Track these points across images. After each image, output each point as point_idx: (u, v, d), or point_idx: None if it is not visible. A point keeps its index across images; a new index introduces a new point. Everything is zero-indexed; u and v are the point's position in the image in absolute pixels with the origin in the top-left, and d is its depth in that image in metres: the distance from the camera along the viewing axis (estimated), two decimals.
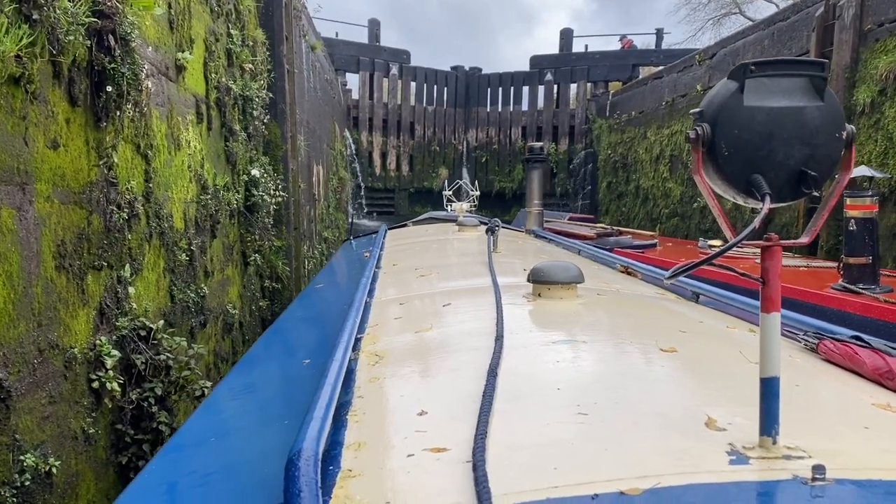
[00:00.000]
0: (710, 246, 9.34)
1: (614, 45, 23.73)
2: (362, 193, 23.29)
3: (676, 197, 16.44)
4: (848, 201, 5.84)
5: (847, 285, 5.62)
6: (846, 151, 1.42)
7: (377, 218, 21.79)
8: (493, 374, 1.81)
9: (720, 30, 28.78)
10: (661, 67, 19.62)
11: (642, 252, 9.74)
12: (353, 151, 22.68)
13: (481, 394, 1.66)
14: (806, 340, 2.28)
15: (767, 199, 1.35)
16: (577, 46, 24.00)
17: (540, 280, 2.79)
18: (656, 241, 11.68)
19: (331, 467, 1.43)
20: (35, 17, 3.06)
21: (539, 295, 2.81)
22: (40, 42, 3.16)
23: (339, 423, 1.68)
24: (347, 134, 22.17)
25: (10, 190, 3.08)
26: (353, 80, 23.26)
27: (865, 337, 2.08)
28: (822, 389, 1.93)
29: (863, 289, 5.50)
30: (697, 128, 1.40)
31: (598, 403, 1.66)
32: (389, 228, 8.00)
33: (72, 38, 3.43)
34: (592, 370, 2.04)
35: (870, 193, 5.76)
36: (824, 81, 1.41)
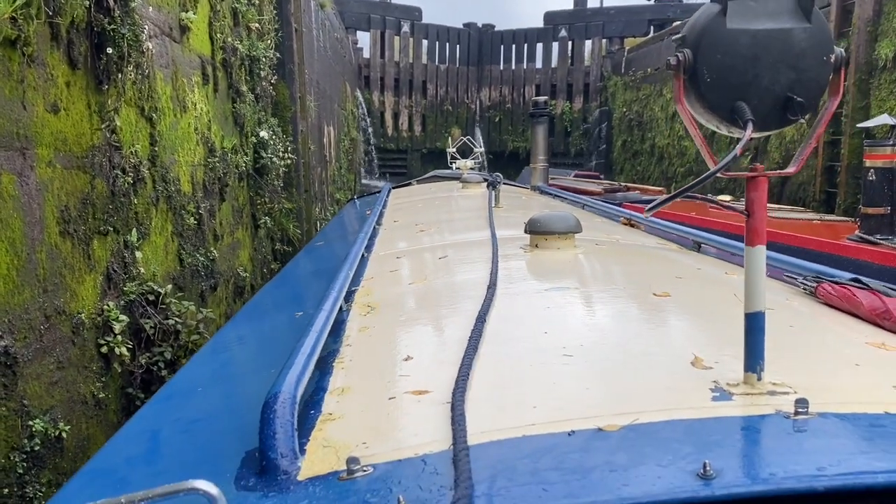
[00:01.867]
0: (717, 202, 9.21)
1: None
2: (373, 154, 23.15)
3: (692, 156, 16.21)
4: (867, 150, 5.71)
5: (864, 236, 5.53)
6: (835, 76, 1.36)
7: (390, 179, 21.70)
8: (481, 319, 1.80)
9: None
10: (678, 22, 19.20)
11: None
12: (365, 111, 22.49)
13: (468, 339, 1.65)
14: (805, 284, 2.25)
15: (750, 125, 1.29)
16: (593, 2, 23.52)
17: (537, 231, 2.76)
18: (662, 195, 11.54)
19: (312, 412, 1.42)
20: None
21: (536, 246, 2.78)
22: (36, 3, 3.09)
23: (324, 370, 1.68)
24: (359, 94, 21.97)
25: (10, 155, 3.05)
26: (363, 39, 22.97)
27: (864, 279, 2.06)
28: (816, 330, 1.92)
29: (881, 239, 5.40)
30: (679, 53, 1.33)
31: (584, 346, 1.65)
32: (394, 187, 7.97)
33: None
34: (581, 315, 2.04)
35: (890, 143, 5.62)
36: (811, 2, 1.34)
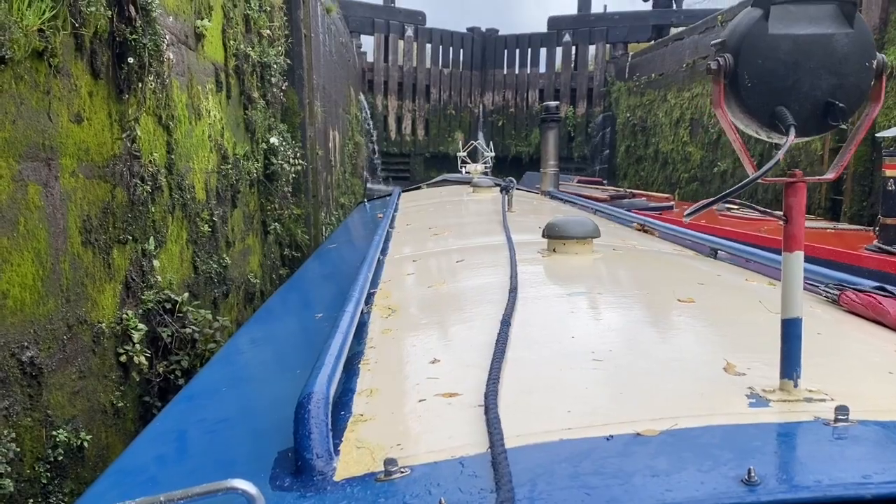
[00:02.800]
0: (728, 208, 9.23)
1: (637, 4, 23.01)
2: (377, 158, 23.15)
3: (696, 161, 16.22)
4: (886, 160, 5.71)
5: (883, 246, 5.51)
6: (876, 82, 1.36)
7: (393, 183, 21.70)
8: (506, 323, 1.80)
9: None
10: (681, 28, 19.23)
11: (660, 213, 9.64)
12: (369, 115, 22.50)
13: (494, 342, 1.65)
14: (827, 292, 2.25)
15: (792, 131, 1.29)
16: (597, 7, 23.52)
17: (555, 235, 2.76)
18: (672, 203, 11.55)
19: (342, 412, 1.43)
20: None
21: (554, 250, 2.78)
22: (62, 14, 3.10)
23: (351, 371, 1.68)
24: (362, 98, 21.98)
25: (36, 166, 3.06)
26: (367, 43, 22.98)
27: (889, 287, 2.05)
28: (844, 337, 1.92)
29: None
30: (719, 58, 1.33)
31: (613, 351, 1.65)
32: (404, 191, 7.97)
33: (93, 8, 3.37)
34: (608, 320, 2.04)
35: None
36: (854, 6, 1.34)
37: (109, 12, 3.61)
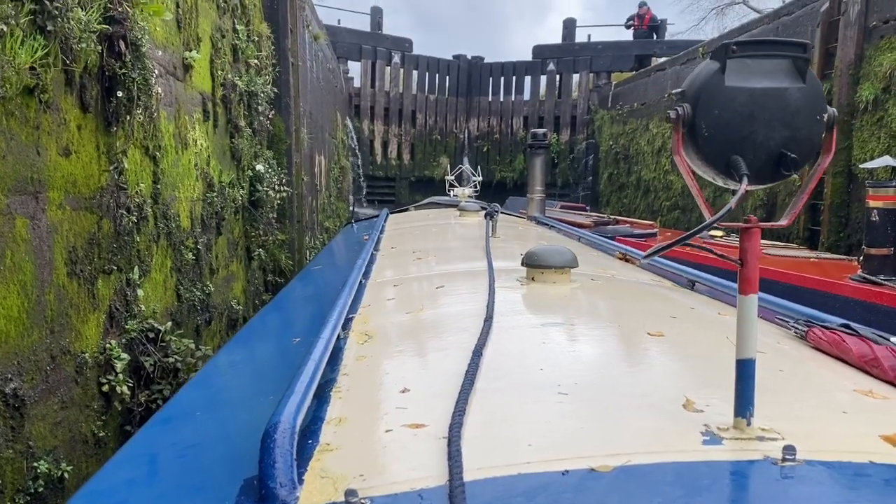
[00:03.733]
0: (711, 237, 9.37)
1: (622, 34, 23.38)
2: (363, 182, 23.25)
3: (678, 190, 16.44)
4: (870, 192, 5.82)
5: (867, 276, 5.58)
6: (827, 134, 1.42)
7: (378, 206, 21.78)
8: (477, 353, 1.83)
9: (724, 20, 28.65)
10: (663, 59, 19.57)
11: (643, 241, 9.75)
12: (355, 140, 22.63)
13: (465, 372, 1.67)
14: (796, 328, 2.29)
15: (745, 179, 1.35)
16: (581, 37, 23.89)
17: (534, 264, 2.80)
18: (656, 230, 11.68)
19: (310, 441, 1.45)
20: (49, 28, 3.07)
21: (533, 279, 2.81)
22: (53, 52, 3.17)
23: (322, 398, 1.70)
24: (349, 122, 22.12)
25: (24, 199, 3.11)
26: (354, 69, 23.17)
27: (854, 325, 2.09)
28: (805, 375, 1.94)
29: (884, 280, 5.46)
30: (678, 108, 1.39)
31: (579, 384, 1.68)
32: (391, 213, 8.00)
33: (84, 45, 3.44)
34: (577, 352, 2.07)
35: (893, 184, 5.73)
36: (806, 63, 1.40)
37: (100, 47, 3.68)
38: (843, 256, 8.30)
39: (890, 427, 1.42)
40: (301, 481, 1.27)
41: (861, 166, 9.21)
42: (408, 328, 2.45)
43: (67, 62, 3.32)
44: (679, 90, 1.43)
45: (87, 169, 3.69)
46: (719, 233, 10.19)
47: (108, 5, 3.68)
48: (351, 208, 20.22)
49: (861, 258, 5.75)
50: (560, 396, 1.59)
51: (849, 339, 1.99)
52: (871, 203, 5.71)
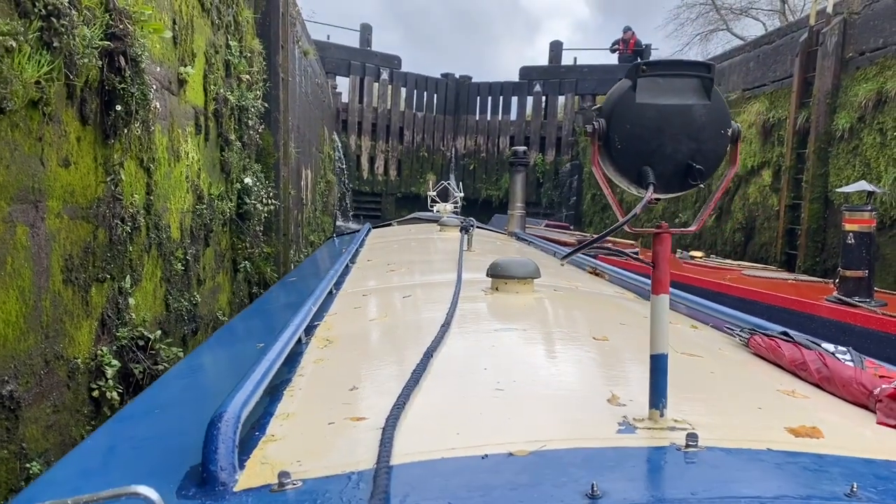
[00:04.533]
0: (692, 257, 9.58)
1: (608, 58, 23.74)
2: (349, 197, 23.36)
3: (658, 211, 16.70)
4: (846, 215, 6.00)
5: (842, 297, 5.74)
6: (732, 147, 1.53)
7: (363, 221, 21.88)
8: (428, 355, 1.91)
9: (707, 46, 29.17)
10: None
11: (625, 259, 9.91)
12: (342, 155, 22.76)
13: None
14: (740, 336, 2.40)
15: (651, 188, 1.44)
16: (567, 59, 24.25)
17: (497, 275, 2.88)
18: (637, 250, 11.87)
19: (257, 433, 1.53)
20: (55, 44, 3.19)
21: (497, 289, 2.89)
22: (58, 66, 3.29)
23: (275, 396, 1.78)
24: (336, 137, 22.26)
25: (25, 208, 3.21)
26: (343, 84, 23.35)
27: (792, 332, 2.20)
28: (736, 377, 2.04)
29: (859, 302, 5.62)
30: (595, 122, 1.49)
31: (517, 381, 1.78)
32: (374, 227, 8.10)
33: (86, 60, 3.56)
34: (522, 354, 2.16)
35: (868, 208, 5.92)
36: (711, 82, 1.50)
37: (100, 62, 3.80)
38: (820, 279, 8.51)
39: (798, 422, 1.52)
40: (242, 467, 1.36)
41: (837, 190, 9.45)
42: (370, 334, 2.54)
43: (70, 77, 3.44)
44: (596, 106, 1.54)
45: (84, 179, 3.80)
46: (699, 253, 10.42)
47: (110, 22, 3.81)
48: (335, 222, 20.31)
49: (837, 280, 5.93)
50: (496, 392, 1.68)
51: (783, 345, 2.12)
52: (847, 227, 5.88)
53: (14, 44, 2.89)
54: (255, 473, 1.34)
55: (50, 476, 1.70)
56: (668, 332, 1.54)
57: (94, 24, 3.65)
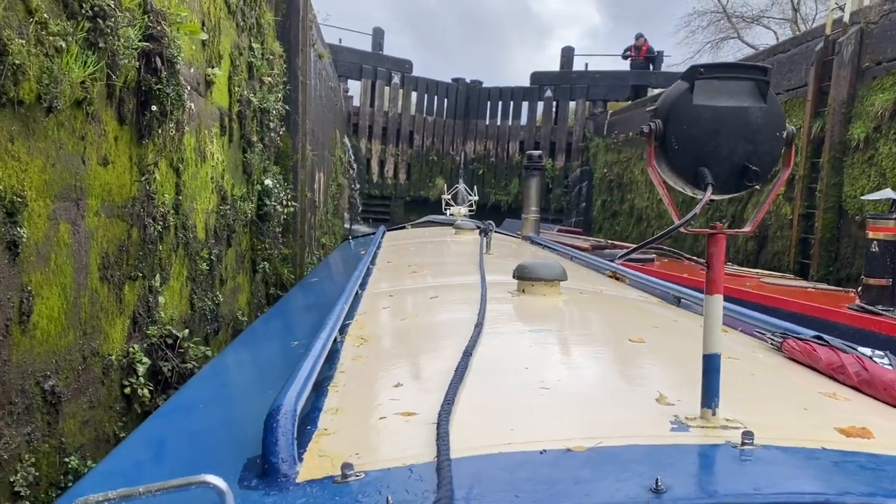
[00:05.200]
0: (685, 256, 9.55)
1: (619, 64, 23.76)
2: (358, 199, 23.42)
3: (670, 219, 16.64)
4: (870, 223, 5.99)
5: (865, 306, 5.74)
6: (786, 149, 1.56)
7: (372, 224, 21.92)
8: (467, 354, 1.94)
9: (718, 53, 29.20)
10: (657, 90, 19.96)
11: (642, 265, 9.93)
12: (352, 158, 22.83)
13: (454, 370, 1.79)
14: (772, 339, 2.43)
15: (709, 188, 1.47)
16: (578, 65, 24.28)
17: (524, 277, 2.91)
18: (653, 255, 11.87)
19: (308, 427, 1.56)
20: (101, 44, 3.24)
21: (523, 291, 2.92)
22: (101, 67, 3.34)
23: (320, 392, 1.82)
24: (347, 140, 22.33)
25: (68, 206, 3.26)
26: (354, 87, 23.44)
27: (827, 337, 2.23)
28: (775, 379, 2.07)
29: (882, 310, 5.60)
30: (651, 123, 1.51)
31: (561, 381, 1.82)
32: (388, 230, 8.13)
33: (125, 61, 3.61)
34: (560, 354, 2.20)
35: (893, 216, 5.89)
36: (767, 85, 1.54)
37: (138, 63, 3.85)
38: (838, 287, 8.51)
39: (846, 423, 1.55)
40: (301, 459, 1.39)
41: (862, 198, 9.46)
42: (402, 333, 2.58)
43: (112, 77, 3.49)
44: (652, 107, 1.56)
45: (121, 178, 3.84)
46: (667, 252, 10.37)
47: (148, 24, 3.86)
48: (347, 225, 20.38)
49: (860, 288, 5.92)
50: (542, 391, 1.71)
51: (819, 349, 2.14)
52: (871, 234, 5.86)
53: (63, 44, 2.94)
54: (314, 465, 1.37)
55: (104, 467, 1.73)
56: (719, 332, 1.56)
57: (134, 25, 3.70)
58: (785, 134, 1.55)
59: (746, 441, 1.38)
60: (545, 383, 1.76)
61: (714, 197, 1.50)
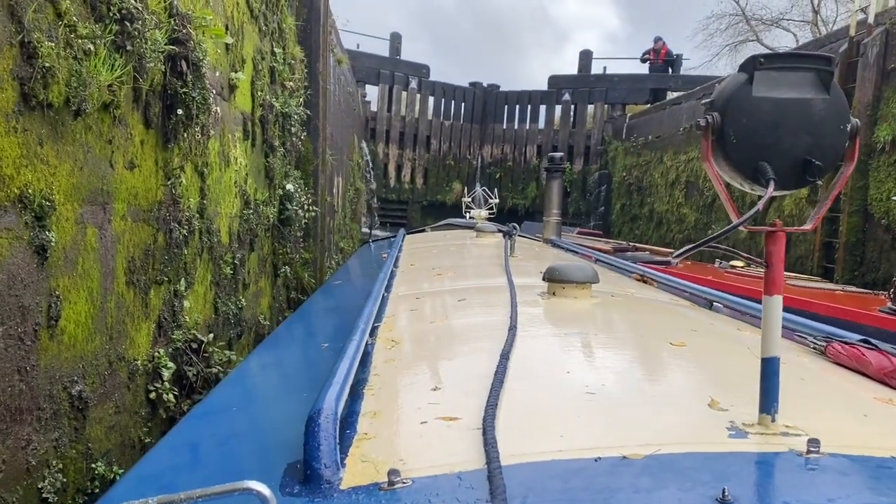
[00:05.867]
0: (732, 266, 9.43)
1: (637, 67, 23.60)
2: (376, 204, 23.45)
3: (691, 223, 16.56)
4: None
5: None
6: (850, 143, 1.49)
7: (389, 229, 21.93)
8: (505, 357, 1.89)
9: (736, 56, 28.98)
10: (679, 93, 19.81)
11: (664, 267, 9.82)
12: (370, 162, 22.86)
13: (492, 374, 1.73)
14: (815, 344, 2.35)
15: (772, 184, 1.42)
16: (597, 68, 24.16)
17: (555, 279, 2.86)
18: (672, 258, 11.72)
19: (348, 431, 1.51)
20: (129, 47, 3.22)
21: (554, 294, 2.87)
22: (128, 71, 3.32)
23: (356, 395, 1.76)
24: (364, 145, 22.36)
25: (94, 210, 3.24)
26: (372, 92, 23.47)
27: (873, 340, 2.16)
28: (825, 383, 2.01)
29: None
30: (708, 116, 1.45)
31: (606, 385, 1.75)
32: (408, 233, 8.10)
33: (151, 64, 3.60)
34: (602, 358, 2.13)
35: None
36: (831, 75, 1.47)
37: (164, 67, 3.83)
38: (866, 290, 8.37)
39: None
40: (343, 464, 1.33)
41: (894, 198, 9.31)
42: (433, 336, 2.53)
43: (139, 80, 3.48)
44: (708, 100, 1.50)
45: (147, 182, 3.83)
46: (740, 263, 10.31)
47: (174, 27, 3.84)
48: (366, 229, 20.39)
49: (891, 291, 5.83)
50: (588, 395, 1.65)
51: (868, 353, 2.07)
52: None
53: (92, 47, 2.92)
54: (358, 471, 1.32)
55: (137, 473, 1.70)
56: (779, 335, 1.50)
57: (161, 28, 3.68)
58: (849, 127, 1.48)
59: (812, 449, 1.32)
60: (590, 388, 1.70)
61: (775, 193, 1.45)
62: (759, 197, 1.47)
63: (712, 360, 2.19)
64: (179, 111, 4.00)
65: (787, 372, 2.05)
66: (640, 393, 1.75)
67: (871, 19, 11.17)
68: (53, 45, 2.67)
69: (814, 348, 2.36)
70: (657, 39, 22.97)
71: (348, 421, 1.59)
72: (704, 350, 2.30)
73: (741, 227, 1.44)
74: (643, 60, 23.09)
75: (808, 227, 1.56)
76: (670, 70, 22.75)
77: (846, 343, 2.21)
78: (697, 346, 2.31)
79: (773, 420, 1.44)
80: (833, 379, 2.07)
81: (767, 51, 24.70)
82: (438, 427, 1.51)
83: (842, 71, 11.65)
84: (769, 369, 1.46)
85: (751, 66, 1.46)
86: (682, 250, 1.60)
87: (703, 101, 1.53)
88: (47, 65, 2.62)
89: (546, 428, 1.47)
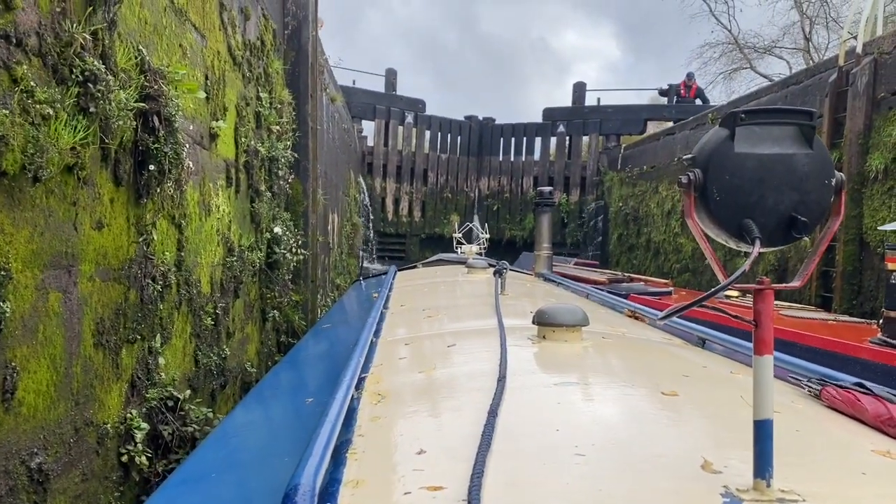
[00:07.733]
0: (727, 297, 9.35)
1: (630, 98, 23.71)
2: (373, 238, 23.44)
3: (688, 252, 16.48)
4: (889, 254, 5.84)
5: (887, 339, 5.57)
6: (836, 198, 1.46)
7: (388, 262, 21.89)
8: (493, 414, 1.83)
9: (731, 84, 29.17)
10: (670, 124, 19.87)
11: (658, 299, 9.73)
12: (367, 197, 22.90)
13: (480, 434, 1.68)
14: (809, 387, 2.29)
15: (757, 242, 1.38)
16: (591, 100, 24.31)
17: (545, 322, 2.81)
18: (671, 288, 11.64)
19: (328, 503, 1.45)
20: (91, 109, 3.18)
21: (544, 337, 2.82)
22: (93, 131, 3.27)
23: (338, 460, 1.70)
24: (361, 180, 22.41)
25: (58, 274, 3.17)
26: (368, 128, 23.60)
27: (868, 384, 2.10)
28: (821, 435, 1.95)
29: None
30: (689, 173, 1.43)
31: (595, 445, 1.69)
32: (399, 270, 8.05)
33: (120, 122, 3.55)
34: (592, 412, 2.07)
35: None
36: (813, 129, 1.44)
37: (134, 123, 3.79)
38: (860, 319, 8.27)
39: None
40: None
41: (879, 228, 9.25)
42: (421, 388, 2.47)
43: (105, 140, 3.43)
44: (690, 156, 1.47)
45: (117, 241, 3.76)
46: (735, 293, 10.21)
47: (145, 83, 3.81)
48: (360, 264, 20.33)
49: (881, 321, 5.74)
50: (578, 458, 1.60)
51: (864, 399, 2.01)
52: (890, 266, 5.70)
53: (51, 111, 2.87)
54: None
55: None
56: (771, 396, 1.44)
57: (130, 86, 3.65)
58: (834, 181, 1.45)
59: None
60: (579, 448, 1.65)
61: (761, 250, 1.41)
62: (745, 253, 1.44)
63: (705, 410, 2.14)
64: (151, 167, 3.95)
65: (782, 423, 1.97)
66: (631, 455, 1.69)
67: (859, 49, 11.20)
68: (7, 112, 2.62)
69: (808, 391, 2.30)
70: (690, 76, 23.10)
71: (329, 491, 1.52)
72: (697, 399, 2.24)
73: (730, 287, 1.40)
74: (662, 94, 23.13)
75: (796, 283, 1.51)
76: (700, 104, 22.78)
77: (841, 387, 2.15)
78: (690, 394, 2.25)
79: (769, 485, 1.38)
80: (829, 429, 2.01)
81: (764, 79, 24.80)
82: (423, 498, 1.46)
83: (832, 100, 11.67)
84: (762, 432, 1.41)
85: (731, 122, 1.44)
86: (666, 311, 1.55)
87: (685, 157, 1.50)
88: (0, 133, 2.56)
89: (534, 499, 1.42)
